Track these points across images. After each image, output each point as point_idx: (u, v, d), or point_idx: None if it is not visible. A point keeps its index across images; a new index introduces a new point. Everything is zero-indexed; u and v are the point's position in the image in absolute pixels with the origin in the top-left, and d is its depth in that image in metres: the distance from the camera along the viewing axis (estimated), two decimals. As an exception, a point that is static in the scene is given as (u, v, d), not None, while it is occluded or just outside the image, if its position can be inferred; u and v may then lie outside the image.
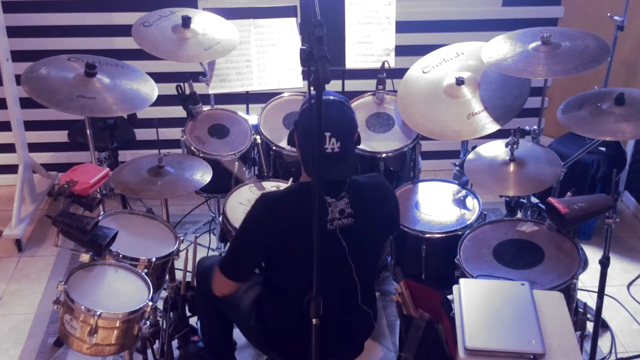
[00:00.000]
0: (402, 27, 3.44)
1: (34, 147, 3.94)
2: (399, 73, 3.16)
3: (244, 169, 3.08)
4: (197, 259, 2.63)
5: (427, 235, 2.74)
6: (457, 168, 2.93)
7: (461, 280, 2.27)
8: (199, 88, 3.13)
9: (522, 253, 2.55)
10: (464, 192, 2.92)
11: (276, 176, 3.06)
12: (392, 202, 2.28)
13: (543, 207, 2.84)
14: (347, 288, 2.18)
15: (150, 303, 2.24)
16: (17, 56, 3.61)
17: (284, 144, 3.05)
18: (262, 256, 2.17)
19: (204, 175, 2.76)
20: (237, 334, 2.55)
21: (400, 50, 3.36)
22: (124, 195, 3.06)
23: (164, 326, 2.51)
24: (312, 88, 1.68)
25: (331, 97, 2.08)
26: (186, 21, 3.01)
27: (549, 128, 4.16)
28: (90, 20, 3.75)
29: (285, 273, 2.18)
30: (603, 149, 3.53)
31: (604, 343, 2.97)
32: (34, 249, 3.60)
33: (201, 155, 2.98)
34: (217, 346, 2.64)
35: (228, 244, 2.63)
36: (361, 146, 2.97)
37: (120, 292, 2.29)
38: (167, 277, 2.66)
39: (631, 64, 3.76)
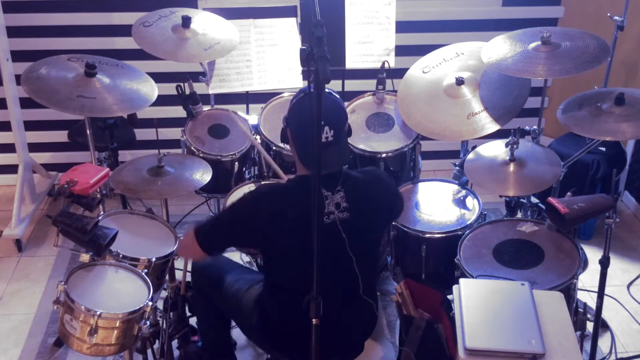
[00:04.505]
0: (402, 27, 3.44)
1: (34, 147, 3.94)
2: (399, 73, 3.16)
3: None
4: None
5: (427, 235, 2.74)
6: (457, 168, 2.93)
7: (461, 280, 2.27)
8: (199, 88, 3.13)
9: (522, 253, 2.55)
10: (464, 192, 2.92)
11: (276, 176, 3.06)
12: (389, 191, 2.29)
13: (543, 207, 2.84)
14: (348, 283, 2.18)
15: (150, 303, 2.24)
16: (17, 56, 3.61)
17: (284, 143, 3.05)
18: (238, 242, 2.22)
19: (204, 175, 2.76)
20: (237, 334, 2.55)
21: (400, 50, 3.36)
22: (124, 195, 3.06)
23: (164, 326, 2.51)
24: (311, 85, 1.69)
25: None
26: (186, 21, 3.01)
27: (549, 128, 4.16)
28: (90, 20, 3.75)
29: (284, 270, 2.18)
30: (603, 149, 3.53)
31: (604, 343, 2.97)
32: (34, 249, 3.60)
33: (201, 155, 2.98)
34: (217, 346, 2.64)
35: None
36: (361, 146, 3.00)
37: (120, 292, 2.29)
38: (167, 277, 2.66)
39: (631, 64, 3.76)
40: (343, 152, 2.16)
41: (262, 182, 2.91)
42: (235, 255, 3.18)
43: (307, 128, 2.01)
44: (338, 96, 2.18)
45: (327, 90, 2.12)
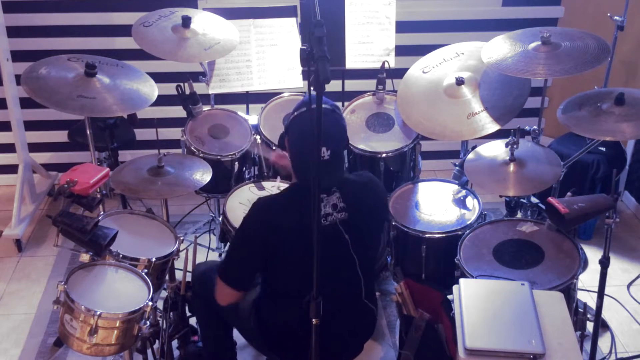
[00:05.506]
0: (402, 27, 3.44)
1: (34, 147, 3.94)
2: (399, 73, 3.16)
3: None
4: (196, 261, 2.63)
5: (427, 235, 2.73)
6: (457, 168, 2.93)
7: (461, 280, 2.27)
8: (199, 88, 3.13)
9: (522, 253, 2.55)
10: (464, 192, 2.92)
11: (276, 176, 3.06)
12: (381, 197, 2.30)
13: (543, 207, 2.83)
14: (351, 287, 2.18)
15: (150, 303, 2.24)
16: (17, 56, 3.61)
17: (284, 144, 3.05)
18: (259, 262, 2.17)
19: (204, 175, 2.76)
20: (237, 334, 2.55)
21: (400, 50, 3.36)
22: (124, 195, 3.06)
23: (164, 326, 2.51)
24: (311, 88, 1.69)
25: (323, 106, 2.09)
26: (186, 21, 3.01)
27: (549, 128, 4.16)
28: (90, 20, 3.75)
29: (284, 276, 2.18)
30: (603, 149, 3.53)
31: (604, 343, 2.97)
32: (34, 249, 3.60)
33: (201, 155, 2.98)
34: (217, 346, 2.64)
35: (227, 247, 2.64)
36: (361, 146, 3.00)
37: (120, 292, 2.29)
38: (167, 277, 2.66)
39: (631, 64, 3.76)
40: (337, 171, 2.16)
41: (263, 189, 2.92)
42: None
43: (304, 146, 2.06)
44: (341, 113, 2.18)
45: (330, 107, 2.12)
